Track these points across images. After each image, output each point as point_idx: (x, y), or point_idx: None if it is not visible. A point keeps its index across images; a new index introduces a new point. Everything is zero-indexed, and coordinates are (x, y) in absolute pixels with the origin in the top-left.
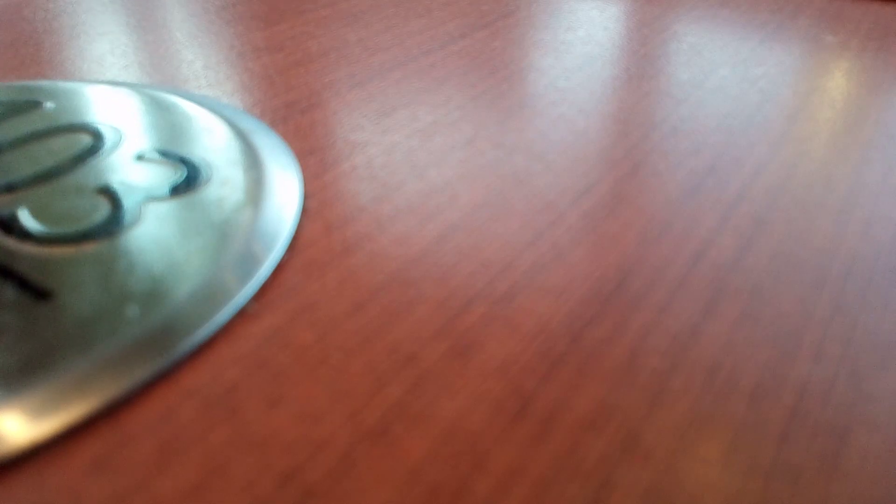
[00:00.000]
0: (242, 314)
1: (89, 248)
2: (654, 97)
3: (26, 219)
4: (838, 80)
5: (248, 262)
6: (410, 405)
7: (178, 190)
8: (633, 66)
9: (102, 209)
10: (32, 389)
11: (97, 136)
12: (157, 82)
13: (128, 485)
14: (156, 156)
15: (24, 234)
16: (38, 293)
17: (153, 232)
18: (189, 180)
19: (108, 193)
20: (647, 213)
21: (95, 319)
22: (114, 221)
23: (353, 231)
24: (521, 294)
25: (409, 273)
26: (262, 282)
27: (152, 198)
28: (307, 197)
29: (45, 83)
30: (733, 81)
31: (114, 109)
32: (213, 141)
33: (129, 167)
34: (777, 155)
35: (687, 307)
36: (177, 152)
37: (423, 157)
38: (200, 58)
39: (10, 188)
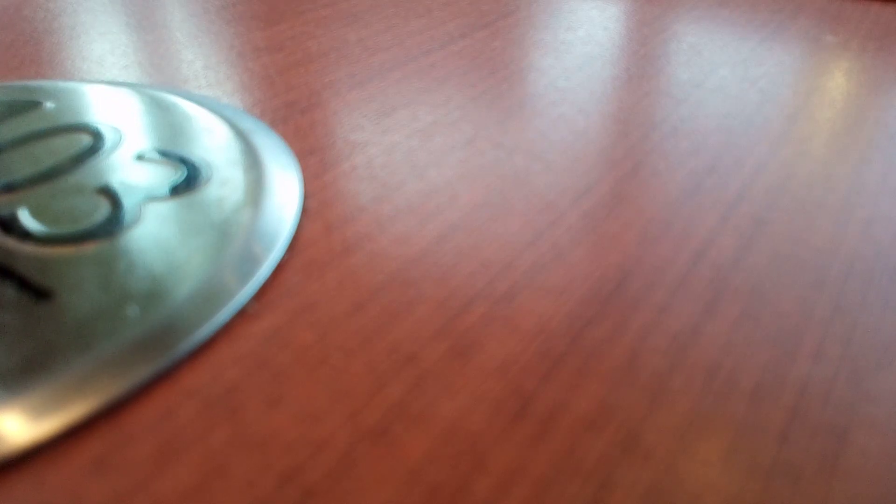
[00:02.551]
0: (242, 314)
1: (89, 248)
2: (654, 97)
3: (26, 219)
4: (838, 80)
5: (248, 262)
6: (410, 405)
7: (178, 190)
8: (633, 66)
9: (102, 209)
10: (32, 389)
11: (97, 136)
12: (157, 82)
13: (128, 485)
14: (156, 156)
15: (24, 234)
16: (38, 293)
17: (153, 232)
18: (189, 180)
19: (108, 193)
20: (647, 213)
21: (95, 319)
22: (114, 221)
23: (353, 231)
24: (521, 294)
25: (409, 273)
26: (262, 282)
27: (152, 198)
28: (307, 197)
29: (45, 83)
30: (733, 81)
31: (114, 109)
32: (213, 141)
33: (129, 167)
34: (777, 155)
35: (687, 307)
36: (177, 152)
37: (423, 157)
38: (200, 58)
39: (10, 188)
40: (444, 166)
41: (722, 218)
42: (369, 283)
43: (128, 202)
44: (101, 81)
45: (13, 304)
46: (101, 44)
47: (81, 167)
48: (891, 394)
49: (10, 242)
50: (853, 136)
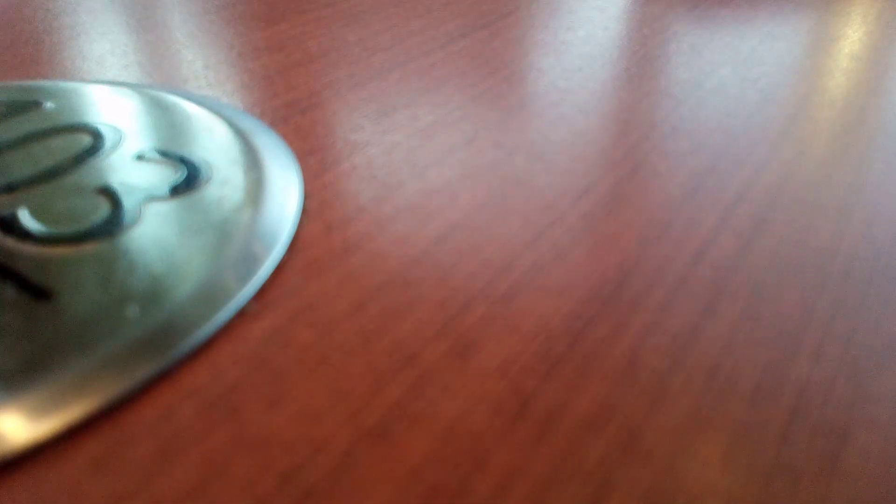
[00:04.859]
0: (242, 314)
1: (89, 248)
2: (654, 97)
3: (26, 219)
4: (838, 80)
5: (248, 262)
6: (410, 405)
7: (178, 190)
8: (633, 66)
9: (102, 209)
10: (32, 389)
11: (97, 136)
12: (157, 82)
13: (128, 485)
14: (156, 156)
15: (24, 234)
16: (38, 293)
17: (153, 232)
18: (189, 180)
19: (108, 193)
20: (647, 213)
21: (95, 319)
22: (114, 221)
23: (353, 231)
24: (521, 294)
25: (409, 273)
26: (262, 282)
27: (152, 198)
28: (307, 197)
29: (45, 83)
30: (733, 81)
31: (114, 109)
32: (213, 141)
33: (129, 167)
34: (777, 155)
35: (687, 307)
36: (177, 152)
37: (423, 157)
38: (200, 58)
39: (10, 188)
40: (445, 166)
41: (722, 218)
42: (369, 283)
43: (128, 202)
44: (101, 81)
45: (13, 304)
46: (101, 44)
47: (81, 167)
48: (891, 394)
49: (10, 242)
50: (853, 136)
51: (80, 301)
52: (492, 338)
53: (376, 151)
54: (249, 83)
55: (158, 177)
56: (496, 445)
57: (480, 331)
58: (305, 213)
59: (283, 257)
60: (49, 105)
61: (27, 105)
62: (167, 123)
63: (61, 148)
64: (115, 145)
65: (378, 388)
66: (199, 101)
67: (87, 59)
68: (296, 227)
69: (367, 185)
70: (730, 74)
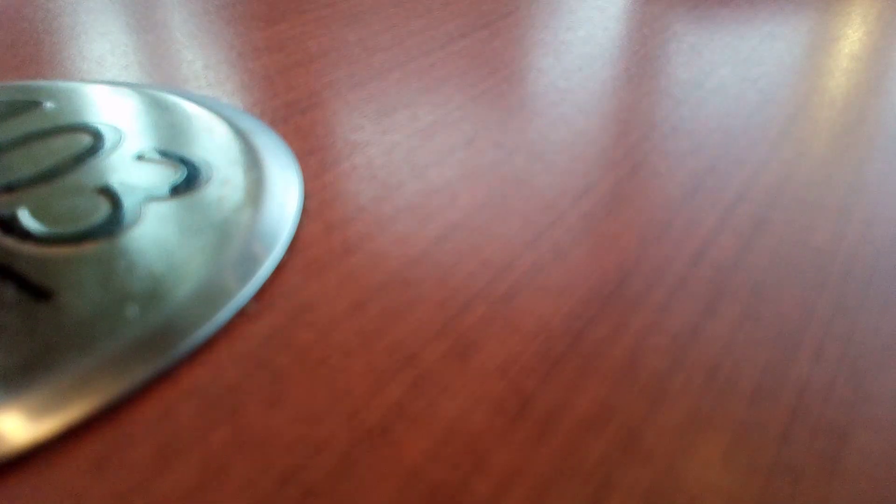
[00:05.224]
0: (242, 314)
1: (89, 248)
2: (654, 97)
3: (26, 219)
4: (838, 80)
5: (248, 262)
6: (410, 405)
7: (178, 190)
8: (633, 66)
9: (102, 209)
10: (32, 389)
11: (97, 136)
12: (157, 82)
13: (128, 485)
14: (156, 156)
15: (24, 234)
16: (38, 293)
17: (153, 232)
18: (189, 180)
19: (108, 193)
20: (647, 213)
21: (95, 319)
22: (114, 221)
23: (353, 231)
24: (521, 294)
25: (409, 273)
26: (262, 282)
27: (152, 198)
28: (307, 197)
29: (45, 83)
30: (733, 81)
31: (114, 109)
32: (213, 141)
33: (129, 167)
34: (777, 155)
35: (687, 307)
36: (177, 152)
37: (423, 157)
38: (200, 58)
39: (10, 188)
40: (444, 166)
41: (722, 218)
42: (369, 283)
43: (128, 202)
44: (101, 81)
45: (13, 304)
46: (101, 44)
47: (81, 167)
48: (891, 394)
49: (10, 242)
50: (853, 136)
51: (80, 301)
52: (492, 338)
53: (376, 151)
54: (249, 83)
55: (158, 177)
56: (496, 445)
57: (480, 331)
58: (305, 213)
59: (283, 257)
60: (49, 105)
61: (27, 105)
62: (167, 123)
63: (61, 148)
64: (115, 145)
65: (378, 388)
66: (199, 101)
67: (87, 59)
68: (296, 227)
69: (367, 185)
70: (730, 74)
